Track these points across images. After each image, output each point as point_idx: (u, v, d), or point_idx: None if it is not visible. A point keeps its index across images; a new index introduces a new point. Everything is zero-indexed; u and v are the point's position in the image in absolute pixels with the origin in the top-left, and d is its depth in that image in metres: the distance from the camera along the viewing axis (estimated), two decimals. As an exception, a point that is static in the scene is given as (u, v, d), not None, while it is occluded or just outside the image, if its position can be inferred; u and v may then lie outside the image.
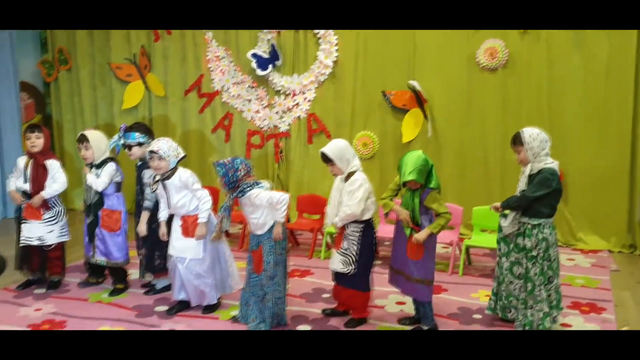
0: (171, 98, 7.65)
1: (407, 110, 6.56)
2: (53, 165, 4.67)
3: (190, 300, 4.34)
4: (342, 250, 3.95)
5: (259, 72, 6.94)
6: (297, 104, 6.96)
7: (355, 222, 3.90)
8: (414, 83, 6.30)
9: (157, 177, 4.20)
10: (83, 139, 4.60)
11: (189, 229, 4.17)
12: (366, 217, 3.90)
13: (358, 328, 4.06)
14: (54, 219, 4.73)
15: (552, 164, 3.64)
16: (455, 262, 5.31)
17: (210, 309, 4.34)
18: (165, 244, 4.30)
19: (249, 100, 7.20)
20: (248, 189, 3.84)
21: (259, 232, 3.95)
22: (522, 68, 6.09)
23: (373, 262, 4.03)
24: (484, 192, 6.24)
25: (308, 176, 7.05)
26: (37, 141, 4.62)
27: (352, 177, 3.88)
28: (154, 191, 4.32)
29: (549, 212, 3.67)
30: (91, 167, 4.62)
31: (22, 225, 4.69)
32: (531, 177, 3.68)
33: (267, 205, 3.85)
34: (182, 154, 4.22)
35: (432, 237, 3.75)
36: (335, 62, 6.75)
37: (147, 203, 4.46)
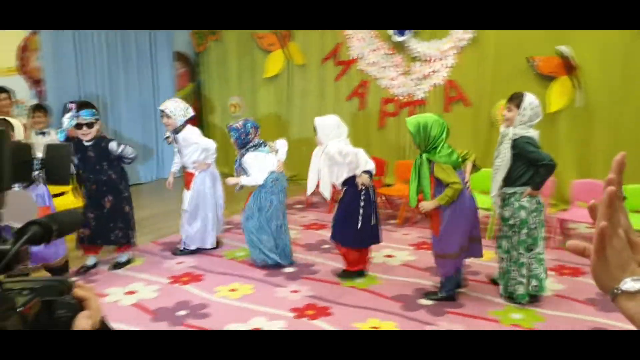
0: (309, 66, 7.77)
1: (554, 78, 6.07)
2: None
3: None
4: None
5: (397, 38, 6.80)
6: (435, 71, 6.73)
7: (342, 184, 4.28)
8: (564, 48, 5.80)
9: (168, 133, 4.81)
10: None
11: (187, 183, 4.91)
12: (340, 181, 4.27)
13: (353, 281, 4.35)
14: None
15: (534, 133, 3.68)
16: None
17: (182, 252, 4.98)
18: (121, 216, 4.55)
19: (385, 68, 7.10)
20: (252, 149, 4.51)
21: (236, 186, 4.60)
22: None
23: (359, 221, 4.19)
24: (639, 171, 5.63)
25: (444, 146, 6.83)
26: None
27: (326, 149, 4.23)
28: (169, 143, 4.90)
29: (525, 180, 3.65)
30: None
31: None
32: (514, 146, 3.66)
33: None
34: (190, 114, 4.78)
35: (450, 210, 3.69)
36: (476, 27, 6.41)
37: (133, 154, 4.55)
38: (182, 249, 5.01)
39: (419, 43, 6.76)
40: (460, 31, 6.45)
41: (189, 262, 4.81)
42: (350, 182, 4.24)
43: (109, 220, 4.47)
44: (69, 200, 5.30)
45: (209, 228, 5.00)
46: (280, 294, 4.14)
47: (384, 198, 6.37)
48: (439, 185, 3.68)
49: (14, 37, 6.55)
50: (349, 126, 7.44)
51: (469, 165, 3.90)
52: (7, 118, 3.80)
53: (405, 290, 4.20)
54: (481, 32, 6.39)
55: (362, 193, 4.21)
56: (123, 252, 4.73)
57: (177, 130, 4.76)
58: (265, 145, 4.63)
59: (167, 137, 4.88)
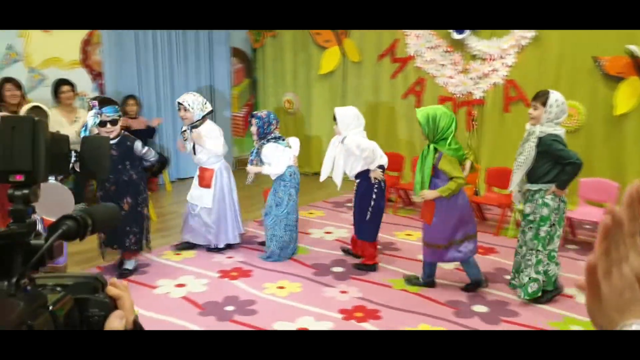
0: (365, 63, 7.67)
1: (622, 79, 5.77)
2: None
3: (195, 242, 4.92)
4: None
5: (456, 35, 6.62)
6: (495, 70, 6.51)
7: (356, 176, 4.43)
8: (634, 48, 5.50)
9: (184, 128, 4.72)
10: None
11: (203, 180, 4.75)
12: (353, 173, 4.44)
13: (366, 272, 4.50)
14: None
15: (560, 131, 3.64)
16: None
17: (211, 250, 4.89)
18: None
19: (443, 65, 6.93)
20: (272, 140, 4.55)
21: (273, 178, 4.65)
22: None
23: (369, 213, 4.38)
24: None
25: (502, 147, 6.59)
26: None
27: (346, 138, 4.34)
28: (185, 139, 4.72)
29: (550, 178, 3.64)
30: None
31: None
32: (540, 144, 3.64)
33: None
34: (208, 108, 4.70)
35: (445, 202, 3.83)
36: (540, 24, 6.16)
37: (148, 164, 4.44)
38: (212, 246, 4.93)
39: (478, 41, 6.55)
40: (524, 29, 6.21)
41: (238, 257, 4.81)
42: (363, 175, 4.42)
43: (126, 223, 4.26)
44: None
45: (229, 224, 4.89)
46: (328, 294, 4.09)
47: None
48: (437, 177, 3.85)
49: (79, 32, 6.73)
50: (403, 124, 7.38)
51: (467, 164, 4.00)
52: (41, 105, 3.84)
53: (459, 296, 4.07)
54: (543, 30, 6.14)
55: (375, 186, 4.39)
56: (130, 259, 4.48)
57: (194, 125, 4.67)
58: (284, 140, 4.68)
59: (184, 132, 4.75)
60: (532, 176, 3.76)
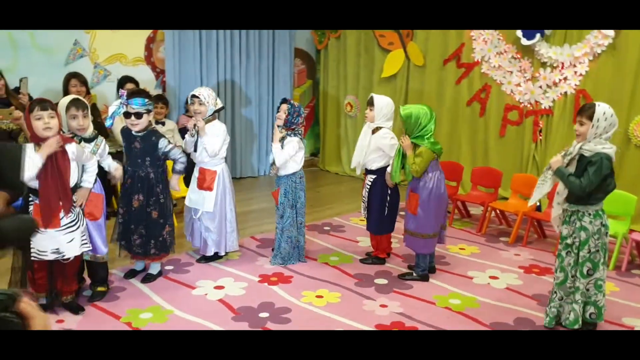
0: (429, 67, 7.42)
1: None
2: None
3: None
4: (362, 197, 4.66)
5: (525, 41, 6.28)
6: (565, 78, 6.12)
7: (370, 172, 4.54)
8: None
9: (192, 123, 4.43)
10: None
11: (204, 182, 4.47)
12: (373, 167, 4.52)
13: (375, 266, 4.70)
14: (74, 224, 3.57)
15: (610, 149, 3.32)
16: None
17: (206, 259, 4.66)
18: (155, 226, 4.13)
19: (511, 72, 6.59)
20: (299, 135, 4.53)
21: (281, 174, 4.56)
22: None
23: (387, 209, 4.52)
24: None
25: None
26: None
27: (381, 131, 4.45)
28: (192, 135, 4.43)
29: (590, 200, 3.40)
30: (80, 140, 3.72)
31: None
32: (581, 159, 3.36)
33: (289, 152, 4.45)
34: (220, 105, 4.49)
35: (430, 196, 4.16)
36: (617, 32, 5.73)
37: (180, 166, 4.17)
38: (211, 254, 4.66)
39: (549, 47, 6.18)
40: (599, 36, 5.80)
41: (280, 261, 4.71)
42: (380, 171, 4.51)
43: (131, 221, 4.07)
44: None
45: (229, 229, 4.65)
46: (367, 307, 3.93)
47: (498, 212, 5.90)
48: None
49: (144, 30, 6.85)
50: (466, 133, 7.09)
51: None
52: (80, 98, 3.83)
53: (505, 317, 3.82)
54: (620, 37, 5.71)
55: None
56: (154, 262, 4.32)
57: (206, 121, 4.43)
58: (304, 139, 4.66)
59: (195, 126, 4.39)
60: (569, 195, 3.48)
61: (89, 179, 3.68)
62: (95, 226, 3.80)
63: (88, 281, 4.02)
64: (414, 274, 4.43)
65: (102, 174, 3.92)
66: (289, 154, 4.45)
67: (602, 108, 3.31)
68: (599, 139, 3.31)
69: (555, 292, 3.59)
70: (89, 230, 3.73)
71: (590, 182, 3.29)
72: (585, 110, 3.36)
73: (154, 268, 4.35)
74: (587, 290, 3.50)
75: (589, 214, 3.42)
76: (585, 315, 3.53)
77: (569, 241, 3.50)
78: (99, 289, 3.96)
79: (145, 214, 4.07)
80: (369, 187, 4.57)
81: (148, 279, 4.27)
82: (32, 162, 3.26)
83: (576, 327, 3.48)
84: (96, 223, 3.80)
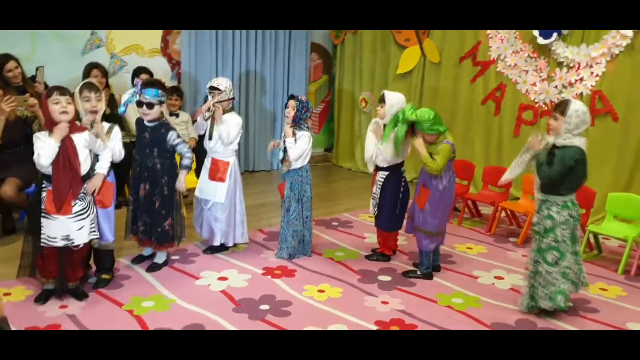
0: (445, 65, 7.38)
1: None
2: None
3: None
4: (372, 194, 4.61)
5: (541, 40, 6.20)
6: (581, 79, 6.03)
7: (382, 168, 4.50)
8: None
9: (208, 114, 4.46)
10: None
11: (217, 172, 4.48)
12: (388, 163, 4.46)
13: (380, 263, 4.71)
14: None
15: (579, 142, 3.47)
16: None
17: (213, 250, 4.70)
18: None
19: (526, 72, 6.52)
20: (305, 129, 4.48)
21: (293, 167, 4.51)
22: None
23: (398, 206, 4.51)
24: None
25: (583, 163, 6.11)
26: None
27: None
28: (207, 119, 4.45)
29: (560, 190, 3.57)
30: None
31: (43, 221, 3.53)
32: (552, 150, 3.52)
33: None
34: (233, 95, 4.53)
35: (441, 195, 4.15)
36: (636, 32, 5.63)
37: (187, 161, 4.13)
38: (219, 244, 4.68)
39: (566, 47, 6.09)
40: (617, 36, 5.70)
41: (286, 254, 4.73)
42: (391, 169, 4.48)
43: (138, 209, 4.16)
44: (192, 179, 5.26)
45: (238, 221, 4.66)
46: (368, 304, 3.93)
47: (508, 212, 5.84)
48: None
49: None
50: (481, 131, 7.03)
51: None
52: (94, 82, 3.89)
53: (507, 318, 3.79)
54: (639, 38, 5.62)
55: (402, 179, 4.52)
56: (160, 251, 4.37)
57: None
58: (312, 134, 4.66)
59: (209, 109, 4.41)
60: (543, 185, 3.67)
61: (103, 166, 3.75)
62: (105, 214, 3.85)
63: (94, 268, 4.09)
64: (418, 272, 4.43)
65: (115, 164, 3.97)
66: (302, 149, 4.44)
67: (576, 105, 3.47)
68: (569, 134, 3.46)
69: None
70: (98, 218, 3.78)
71: (555, 171, 3.47)
72: (559, 106, 3.53)
73: (160, 257, 4.39)
74: (556, 279, 3.63)
75: (557, 204, 3.59)
76: (546, 304, 3.67)
77: (536, 228, 3.70)
78: (104, 276, 4.01)
79: (149, 203, 4.12)
80: (380, 183, 4.53)
81: (153, 267, 4.32)
82: (49, 146, 3.35)
83: (526, 309, 3.80)
84: (105, 211, 3.85)
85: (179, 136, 4.13)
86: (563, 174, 3.48)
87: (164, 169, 4.11)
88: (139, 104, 4.01)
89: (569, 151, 3.45)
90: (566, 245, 3.61)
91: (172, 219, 4.18)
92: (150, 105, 3.99)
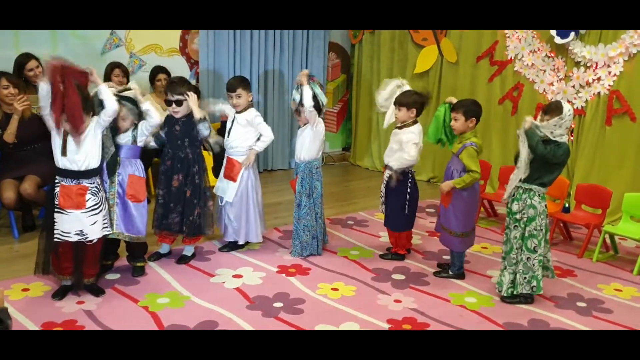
0: (462, 64, 7.35)
1: None
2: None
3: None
4: (381, 192, 4.65)
5: (559, 40, 6.15)
6: (599, 78, 5.98)
7: (391, 167, 4.45)
8: None
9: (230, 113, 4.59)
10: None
11: (231, 171, 4.55)
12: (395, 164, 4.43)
13: (394, 262, 4.71)
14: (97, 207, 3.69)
15: (563, 141, 3.70)
16: None
17: (228, 248, 4.76)
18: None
19: (544, 71, 6.47)
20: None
21: (298, 160, 4.62)
22: None
23: (407, 206, 4.50)
24: None
25: (600, 163, 6.05)
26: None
27: (409, 128, 4.43)
28: (224, 118, 4.56)
29: (543, 181, 3.79)
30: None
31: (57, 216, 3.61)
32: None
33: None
34: (252, 96, 4.62)
35: (464, 192, 4.10)
36: (656, 31, 5.57)
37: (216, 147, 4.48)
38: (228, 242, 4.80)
39: (584, 47, 6.04)
40: (635, 36, 5.63)
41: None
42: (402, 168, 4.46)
43: (171, 201, 4.25)
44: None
45: (251, 220, 4.70)
46: (381, 302, 3.96)
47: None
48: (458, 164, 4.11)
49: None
50: (497, 131, 7.00)
51: None
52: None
53: (520, 318, 3.79)
54: (664, 38, 5.55)
55: (409, 179, 4.50)
56: (188, 244, 4.51)
57: (238, 111, 4.57)
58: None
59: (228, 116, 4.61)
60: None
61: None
62: (138, 208, 3.97)
63: (119, 260, 4.26)
64: (450, 272, 4.43)
65: (144, 159, 4.11)
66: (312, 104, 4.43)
67: (566, 107, 3.71)
68: (555, 133, 3.68)
69: (502, 263, 4.03)
70: (131, 212, 3.93)
71: (547, 150, 3.65)
72: (550, 108, 3.75)
73: (188, 250, 4.53)
74: (533, 265, 3.86)
75: (539, 195, 3.81)
76: (525, 288, 3.91)
77: (518, 216, 3.87)
78: (139, 264, 4.20)
79: (182, 193, 4.25)
80: (386, 181, 4.55)
81: (183, 259, 4.46)
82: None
83: (506, 293, 3.97)
84: (139, 205, 3.98)
85: (209, 127, 4.25)
86: (557, 158, 3.68)
87: (194, 158, 4.26)
88: (168, 102, 4.17)
89: (563, 147, 3.70)
90: (542, 234, 3.85)
91: (200, 209, 4.31)
92: (179, 103, 4.14)
